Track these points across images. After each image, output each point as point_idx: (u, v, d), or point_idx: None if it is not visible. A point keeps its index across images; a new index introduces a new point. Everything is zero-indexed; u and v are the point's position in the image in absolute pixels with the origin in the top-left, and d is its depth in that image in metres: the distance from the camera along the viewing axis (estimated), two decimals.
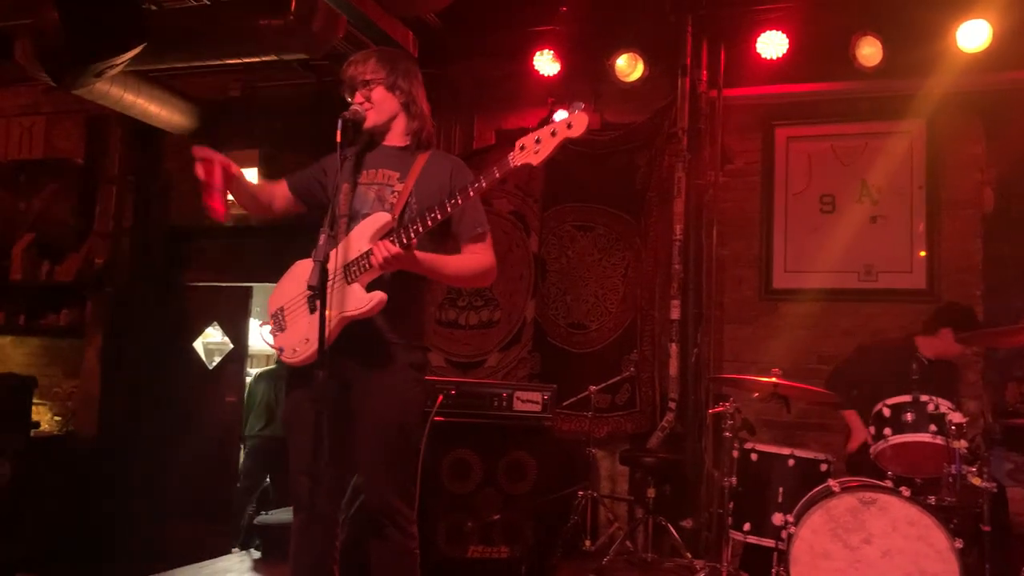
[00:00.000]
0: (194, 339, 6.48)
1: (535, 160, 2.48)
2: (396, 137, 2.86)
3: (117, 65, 4.47)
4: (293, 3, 4.48)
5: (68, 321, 6.33)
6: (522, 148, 2.49)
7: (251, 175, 6.16)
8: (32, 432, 6.00)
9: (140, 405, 6.25)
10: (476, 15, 5.28)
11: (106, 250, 6.41)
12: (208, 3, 4.98)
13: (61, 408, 6.39)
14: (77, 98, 5.51)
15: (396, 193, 2.72)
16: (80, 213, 6.55)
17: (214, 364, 6.50)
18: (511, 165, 2.50)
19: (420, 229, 2.55)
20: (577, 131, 2.44)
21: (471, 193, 2.55)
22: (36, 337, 6.54)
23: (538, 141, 2.46)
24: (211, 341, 6.93)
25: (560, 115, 2.50)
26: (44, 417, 6.35)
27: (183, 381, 6.32)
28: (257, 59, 4.93)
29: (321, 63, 5.47)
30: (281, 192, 2.96)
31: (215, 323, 6.56)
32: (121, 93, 5.52)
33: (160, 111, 5.96)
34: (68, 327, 6.34)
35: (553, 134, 2.45)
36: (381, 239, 2.59)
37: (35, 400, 6.15)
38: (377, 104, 2.79)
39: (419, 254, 2.59)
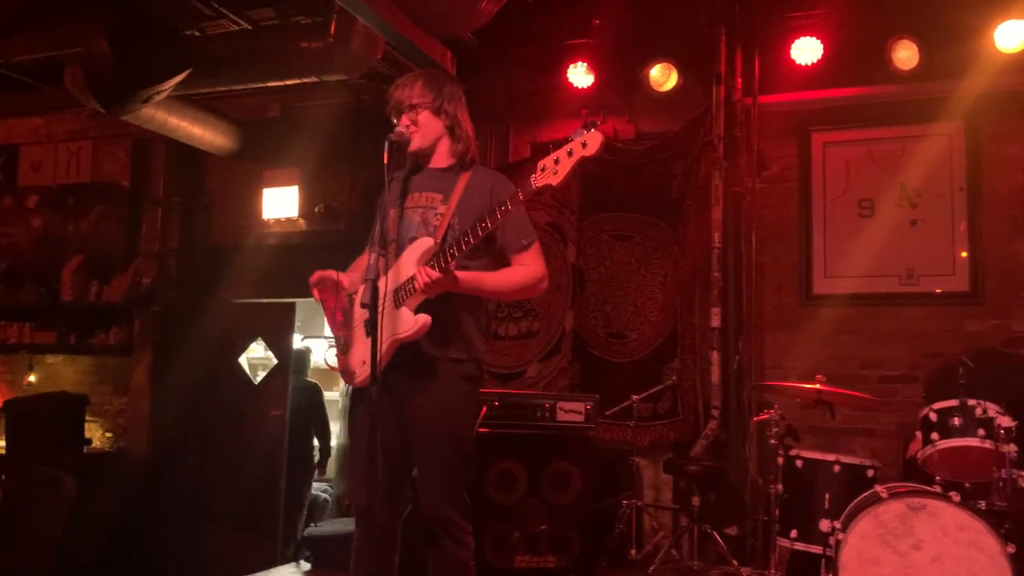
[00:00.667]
0: (239, 354, 6.60)
1: (555, 180, 2.57)
2: (440, 159, 2.93)
3: (164, 91, 4.60)
4: (333, 26, 4.59)
5: (117, 339, 6.50)
6: (543, 169, 2.59)
7: (292, 193, 6.36)
8: (85, 449, 6.16)
9: (188, 420, 6.38)
10: (509, 29, 5.32)
11: (153, 270, 6.57)
12: (250, 28, 5.13)
13: (112, 425, 6.55)
14: (122, 122, 5.67)
15: (439, 215, 2.80)
16: (127, 234, 6.72)
17: (259, 379, 6.61)
18: (533, 187, 2.60)
19: (456, 253, 2.63)
20: (591, 150, 2.52)
21: (498, 216, 2.63)
22: (87, 356, 6.71)
23: (556, 162, 2.56)
24: (256, 356, 7.06)
25: (578, 134, 2.57)
26: (96, 434, 6.51)
27: (229, 396, 6.45)
28: (298, 81, 5.05)
29: (359, 82, 5.57)
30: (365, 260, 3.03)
31: (259, 338, 6.68)
32: (166, 117, 5.67)
33: (203, 133, 6.10)
34: (117, 345, 6.50)
35: (570, 154, 2.54)
36: (424, 264, 2.67)
37: (87, 417, 6.33)
38: (422, 127, 2.86)
39: (460, 274, 2.67)
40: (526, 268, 2.84)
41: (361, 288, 2.70)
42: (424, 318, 2.69)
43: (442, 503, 2.77)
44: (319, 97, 6.13)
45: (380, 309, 2.57)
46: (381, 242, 2.62)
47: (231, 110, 6.36)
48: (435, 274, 2.59)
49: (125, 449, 6.37)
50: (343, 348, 2.83)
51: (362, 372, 2.72)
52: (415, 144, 2.87)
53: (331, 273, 2.86)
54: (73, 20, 5.09)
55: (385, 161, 2.72)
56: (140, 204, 6.72)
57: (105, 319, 6.56)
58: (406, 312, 2.72)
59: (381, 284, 2.56)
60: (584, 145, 2.51)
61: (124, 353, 6.51)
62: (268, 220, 6.39)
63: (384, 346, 2.66)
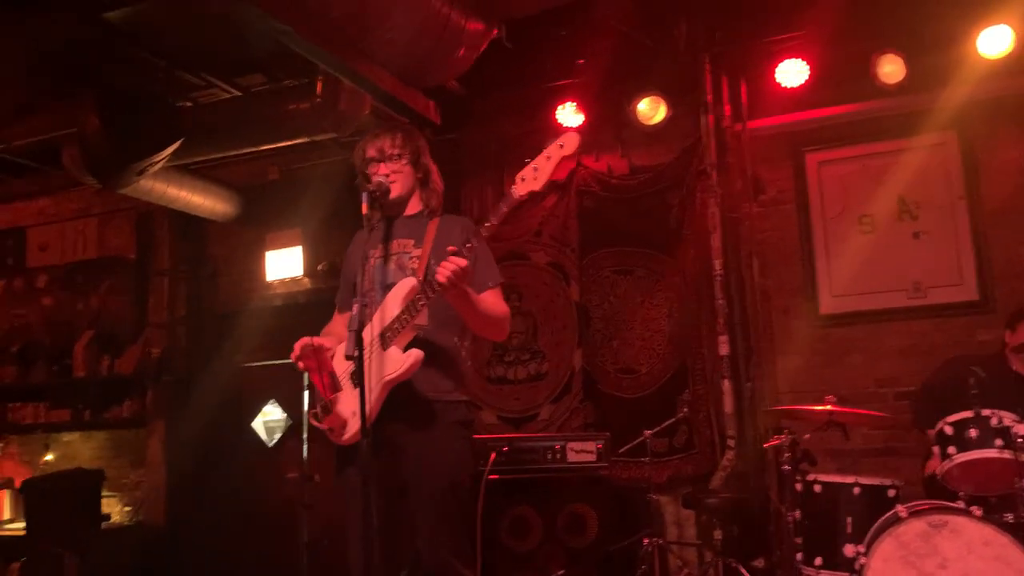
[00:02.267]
0: (252, 418, 6.58)
1: (537, 186, 2.62)
2: (411, 208, 3.00)
3: (157, 162, 4.67)
4: (319, 87, 4.66)
5: (131, 412, 6.50)
6: (523, 179, 2.65)
7: (296, 253, 6.40)
8: (103, 524, 6.13)
9: (205, 488, 6.35)
10: (495, 77, 5.39)
11: (162, 340, 6.61)
12: (240, 94, 5.22)
13: (130, 498, 6.52)
14: (125, 197, 5.75)
15: (415, 258, 2.82)
16: (135, 306, 6.78)
17: (274, 441, 6.59)
18: (516, 197, 2.63)
19: (475, 243, 2.64)
20: (570, 148, 2.60)
21: (492, 225, 2.65)
22: (102, 430, 6.71)
23: (536, 169, 2.60)
24: (271, 419, 7.04)
25: (551, 143, 2.62)
26: (114, 509, 6.48)
27: (245, 461, 6.42)
28: (290, 142, 5.12)
29: (352, 139, 5.63)
30: (343, 322, 3.02)
31: (273, 400, 6.67)
32: (165, 188, 5.74)
33: (203, 201, 6.17)
34: (131, 418, 6.51)
35: (548, 158, 2.61)
36: (410, 301, 2.67)
37: (105, 492, 6.30)
38: (402, 177, 2.91)
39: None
40: (499, 302, 2.86)
41: (343, 342, 2.69)
42: (416, 353, 2.68)
43: (447, 554, 2.73)
44: (315, 157, 6.20)
45: (367, 358, 2.55)
46: (360, 292, 2.61)
47: (230, 176, 6.45)
48: (462, 261, 2.58)
49: (143, 522, 6.33)
50: (326, 408, 2.80)
51: (354, 424, 2.69)
52: (395, 193, 2.91)
53: (306, 340, 2.84)
54: (70, 102, 5.21)
55: (364, 211, 2.75)
56: (147, 276, 6.79)
57: (118, 393, 6.57)
58: (395, 351, 2.71)
59: (365, 333, 2.55)
60: (561, 146, 2.58)
61: (138, 425, 6.52)
62: (272, 282, 6.42)
63: (375, 392, 2.64)
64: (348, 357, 2.45)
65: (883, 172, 5.15)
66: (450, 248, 2.64)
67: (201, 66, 4.96)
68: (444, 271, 2.57)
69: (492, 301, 2.86)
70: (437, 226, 2.92)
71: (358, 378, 2.48)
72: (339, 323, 3.07)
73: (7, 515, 6.45)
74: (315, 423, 2.85)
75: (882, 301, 5.08)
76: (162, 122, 4.57)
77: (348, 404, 2.74)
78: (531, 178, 2.59)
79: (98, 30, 4.01)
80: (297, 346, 2.81)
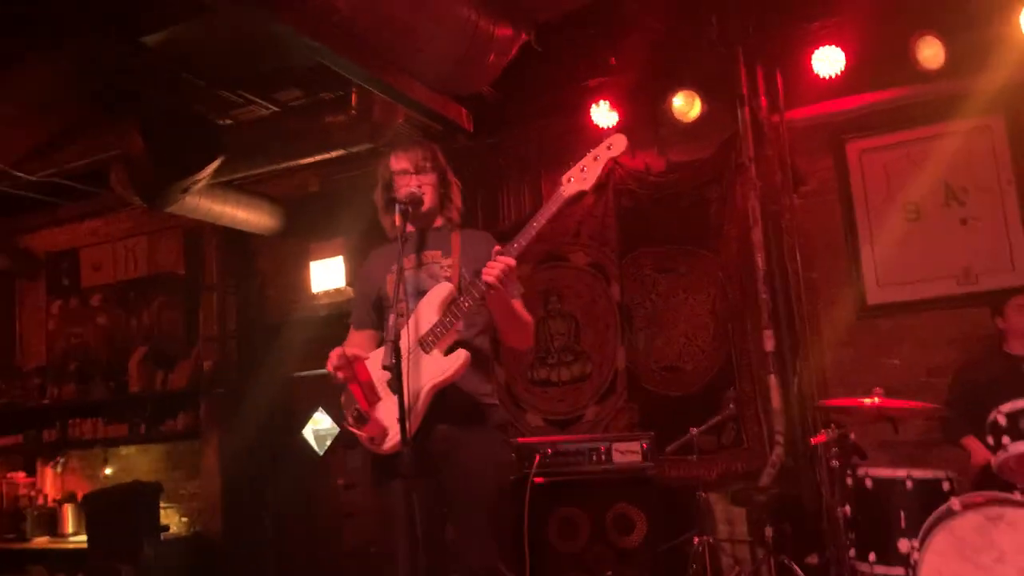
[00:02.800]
0: (303, 427, 6.69)
1: (586, 185, 2.68)
2: (436, 221, 3.05)
3: (200, 180, 4.78)
4: (354, 98, 4.72)
5: (185, 425, 6.64)
6: (570, 180, 2.69)
7: (338, 263, 6.48)
8: (163, 535, 6.28)
9: (260, 498, 6.47)
10: (528, 80, 5.39)
11: (214, 353, 6.74)
12: (278, 110, 5.32)
13: (187, 509, 6.67)
14: (173, 214, 5.89)
15: (445, 268, 2.85)
16: (186, 321, 6.94)
17: (324, 450, 6.68)
18: (565, 196, 2.69)
19: (523, 243, 2.67)
20: (617, 150, 2.67)
21: (543, 221, 2.67)
22: (158, 444, 6.88)
23: (583, 169, 2.63)
24: (321, 428, 7.14)
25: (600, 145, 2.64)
26: (173, 520, 6.64)
27: (297, 469, 6.52)
28: (327, 155, 5.19)
29: (388, 148, 5.69)
30: (359, 339, 3.08)
31: (321, 408, 6.77)
32: (210, 205, 5.86)
33: (248, 216, 6.29)
34: (186, 431, 6.65)
35: (596, 158, 2.67)
36: (448, 306, 2.70)
37: (163, 504, 6.47)
38: (431, 189, 2.95)
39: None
40: (526, 312, 2.91)
41: (380, 351, 2.72)
42: (463, 353, 2.72)
43: (493, 557, 2.75)
44: (354, 167, 6.27)
45: (405, 366, 2.58)
46: (395, 303, 2.64)
47: (273, 190, 6.56)
48: (511, 260, 2.60)
49: (201, 532, 6.47)
50: (361, 417, 2.83)
51: (396, 432, 2.72)
52: (427, 204, 2.95)
53: (340, 350, 2.85)
54: (115, 125, 5.35)
55: (397, 223, 2.80)
56: (196, 291, 6.93)
57: (172, 406, 6.72)
58: (437, 355, 2.74)
59: (403, 341, 2.58)
60: (610, 147, 2.62)
61: (193, 437, 6.65)
62: (317, 293, 6.51)
63: (421, 398, 2.68)
64: (386, 367, 2.48)
65: (927, 158, 5.03)
66: (496, 248, 2.66)
67: (239, 84, 5.07)
68: (493, 270, 2.60)
69: (522, 309, 2.88)
70: (461, 238, 2.98)
71: (397, 387, 2.50)
72: (355, 340, 3.08)
73: (71, 528, 6.65)
74: (354, 431, 2.87)
75: (931, 289, 4.97)
76: (203, 141, 4.68)
77: (390, 412, 2.76)
78: (579, 178, 2.63)
79: (137, 53, 4.12)
80: (333, 355, 2.84)
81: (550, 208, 2.67)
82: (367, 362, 2.85)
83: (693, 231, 5.42)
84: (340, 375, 2.81)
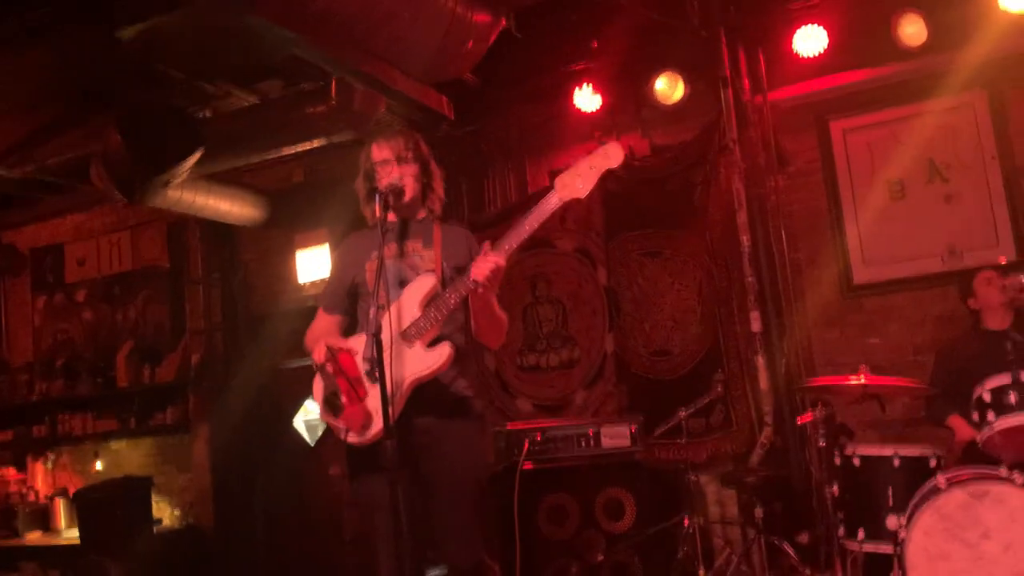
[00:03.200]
0: (292, 418, 6.68)
1: (582, 194, 2.65)
2: (418, 212, 3.02)
3: (180, 174, 4.73)
4: (333, 88, 4.67)
5: (174, 418, 6.62)
6: (564, 186, 2.67)
7: (324, 253, 6.45)
8: (155, 529, 6.28)
9: (251, 489, 6.47)
10: (510, 65, 5.37)
11: (200, 346, 6.72)
12: (258, 101, 5.26)
13: (179, 502, 6.66)
14: (156, 208, 5.84)
15: (426, 259, 2.83)
16: (173, 315, 6.90)
17: (316, 439, 6.67)
18: (558, 202, 2.65)
19: (513, 244, 2.65)
20: (615, 160, 2.63)
21: (535, 224, 2.65)
22: (148, 437, 6.85)
23: (579, 176, 2.58)
24: (312, 418, 7.13)
25: (596, 152, 2.62)
26: (165, 513, 6.64)
27: (287, 459, 6.52)
28: (309, 145, 5.15)
29: (371, 138, 5.65)
30: (329, 322, 3.10)
31: (311, 397, 6.75)
32: (192, 197, 5.80)
33: (231, 208, 6.23)
34: (175, 424, 6.63)
35: (591, 168, 2.62)
36: (431, 299, 2.69)
37: (155, 497, 6.46)
38: (412, 179, 2.92)
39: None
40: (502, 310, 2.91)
41: (355, 340, 2.71)
42: (447, 347, 2.71)
43: (478, 548, 2.76)
44: (337, 157, 6.23)
45: (387, 357, 2.57)
46: (375, 294, 2.62)
47: (256, 181, 6.51)
48: (500, 260, 2.60)
49: (194, 525, 6.47)
50: (336, 406, 2.81)
51: (378, 422, 2.71)
52: (408, 194, 2.93)
53: (329, 342, 2.85)
54: (93, 119, 5.29)
55: (378, 213, 2.78)
56: (181, 284, 6.90)
57: (161, 400, 6.70)
58: (420, 348, 2.73)
59: (384, 331, 2.57)
60: (607, 157, 2.57)
61: (183, 431, 6.64)
62: (304, 283, 6.49)
63: (402, 389, 2.67)
64: (367, 360, 2.47)
65: (910, 136, 5.03)
66: (486, 244, 2.65)
67: (219, 75, 5.00)
68: (484, 269, 2.59)
69: (498, 306, 2.88)
70: (442, 230, 2.96)
71: (380, 379, 2.50)
72: (324, 322, 3.07)
73: (63, 524, 6.64)
74: (330, 421, 2.85)
75: (917, 268, 4.99)
76: (182, 134, 4.61)
77: (371, 403, 2.76)
78: (572, 186, 2.62)
79: (112, 47, 4.07)
80: (320, 348, 2.82)
81: (542, 213, 2.64)
82: (351, 353, 2.85)
83: (678, 214, 5.41)
84: (329, 368, 2.79)
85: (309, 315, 6.20)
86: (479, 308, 2.77)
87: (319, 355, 2.83)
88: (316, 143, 5.17)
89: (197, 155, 4.61)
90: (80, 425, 6.88)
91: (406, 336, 2.74)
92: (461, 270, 2.73)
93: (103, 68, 4.32)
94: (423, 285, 2.78)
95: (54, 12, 3.90)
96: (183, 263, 6.91)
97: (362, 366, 2.71)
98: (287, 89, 5.28)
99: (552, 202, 2.63)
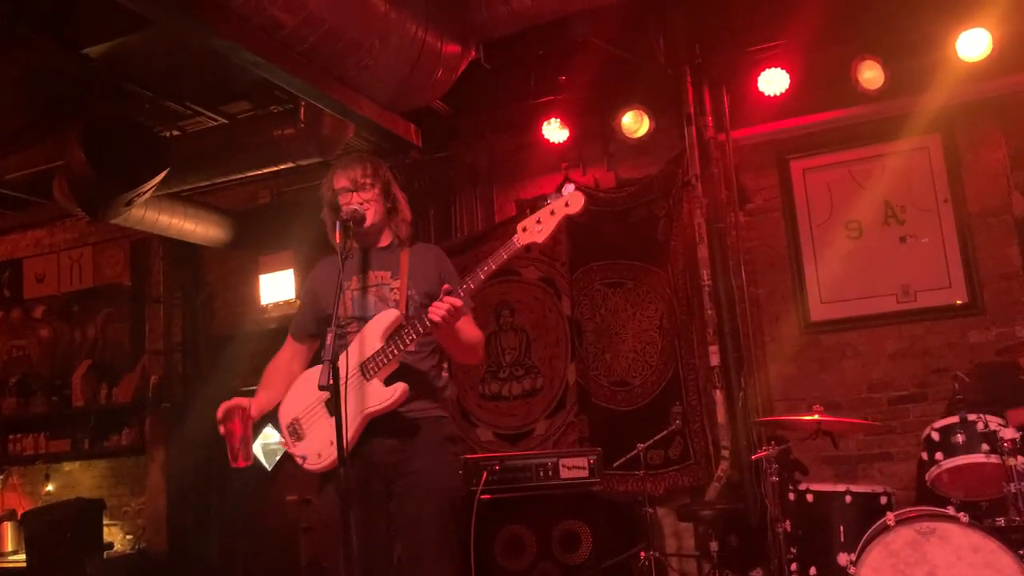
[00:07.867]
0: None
1: (540, 238, 2.68)
2: (384, 238, 3.03)
3: (144, 192, 4.70)
4: (302, 112, 4.69)
5: (130, 440, 6.52)
6: (524, 229, 2.70)
7: (288, 276, 6.42)
8: (106, 554, 6.15)
9: (206, 514, 6.37)
10: (480, 95, 5.43)
11: (159, 366, 6.64)
12: (226, 122, 5.26)
13: (132, 526, 6.54)
14: (119, 225, 5.79)
15: (395, 290, 2.85)
16: (132, 334, 6.82)
17: (273, 465, 6.59)
18: (517, 246, 2.69)
19: (472, 285, 2.69)
20: (575, 208, 2.67)
21: (494, 267, 2.68)
22: (102, 459, 6.75)
23: (539, 221, 2.67)
24: (270, 443, 7.05)
25: (555, 196, 2.68)
26: (117, 537, 6.51)
27: (244, 485, 6.42)
28: (276, 168, 5.16)
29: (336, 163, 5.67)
30: (295, 351, 3.12)
31: (270, 424, 6.68)
32: (156, 216, 5.77)
33: (196, 228, 6.20)
34: (131, 446, 6.53)
35: (552, 213, 2.66)
36: (392, 334, 2.71)
37: (107, 521, 6.33)
38: (374, 205, 2.94)
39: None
40: (475, 329, 2.90)
41: (316, 369, 2.71)
42: (401, 387, 2.72)
43: (449, 567, 2.75)
44: (304, 180, 6.23)
45: (343, 390, 2.57)
46: (336, 323, 2.62)
47: (222, 201, 6.49)
48: (457, 302, 2.63)
49: (146, 550, 6.34)
50: (298, 435, 2.83)
51: (331, 453, 2.71)
52: (369, 220, 2.94)
53: (234, 402, 2.89)
54: (57, 134, 5.25)
55: (337, 240, 2.79)
56: (142, 303, 6.83)
57: (117, 421, 6.60)
58: (377, 384, 2.74)
59: (342, 363, 2.57)
60: (567, 204, 2.64)
61: (138, 453, 6.53)
62: (267, 305, 6.45)
63: (354, 423, 2.67)
64: (322, 387, 2.47)
65: (868, 177, 5.16)
66: (445, 287, 2.67)
67: (186, 95, 5.01)
68: (439, 310, 2.62)
69: (469, 328, 2.89)
70: (410, 256, 2.96)
71: (335, 407, 2.49)
72: (289, 351, 3.09)
73: (10, 547, 6.48)
74: (289, 449, 2.87)
75: (872, 306, 5.09)
76: (147, 153, 4.60)
77: (322, 433, 2.75)
78: (534, 230, 2.66)
79: (79, 63, 4.05)
80: (222, 409, 2.85)
81: (501, 255, 2.68)
82: (299, 383, 2.86)
83: (642, 247, 5.48)
84: (222, 429, 2.86)
85: (272, 338, 6.19)
86: (443, 338, 2.79)
87: (219, 412, 2.91)
88: (283, 166, 5.19)
89: (163, 174, 4.59)
90: (32, 445, 6.75)
91: (364, 370, 2.76)
92: (432, 296, 2.74)
93: (69, 84, 4.30)
94: (385, 319, 2.80)
95: (20, 26, 3.88)
96: (145, 282, 6.85)
97: (318, 394, 2.71)
98: (255, 111, 5.29)
99: (512, 247, 2.68)
